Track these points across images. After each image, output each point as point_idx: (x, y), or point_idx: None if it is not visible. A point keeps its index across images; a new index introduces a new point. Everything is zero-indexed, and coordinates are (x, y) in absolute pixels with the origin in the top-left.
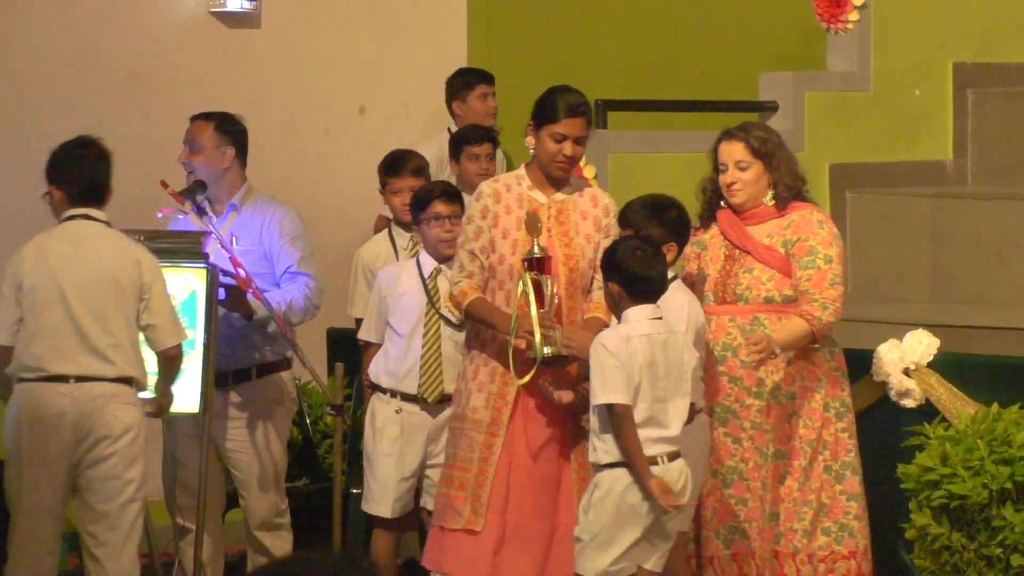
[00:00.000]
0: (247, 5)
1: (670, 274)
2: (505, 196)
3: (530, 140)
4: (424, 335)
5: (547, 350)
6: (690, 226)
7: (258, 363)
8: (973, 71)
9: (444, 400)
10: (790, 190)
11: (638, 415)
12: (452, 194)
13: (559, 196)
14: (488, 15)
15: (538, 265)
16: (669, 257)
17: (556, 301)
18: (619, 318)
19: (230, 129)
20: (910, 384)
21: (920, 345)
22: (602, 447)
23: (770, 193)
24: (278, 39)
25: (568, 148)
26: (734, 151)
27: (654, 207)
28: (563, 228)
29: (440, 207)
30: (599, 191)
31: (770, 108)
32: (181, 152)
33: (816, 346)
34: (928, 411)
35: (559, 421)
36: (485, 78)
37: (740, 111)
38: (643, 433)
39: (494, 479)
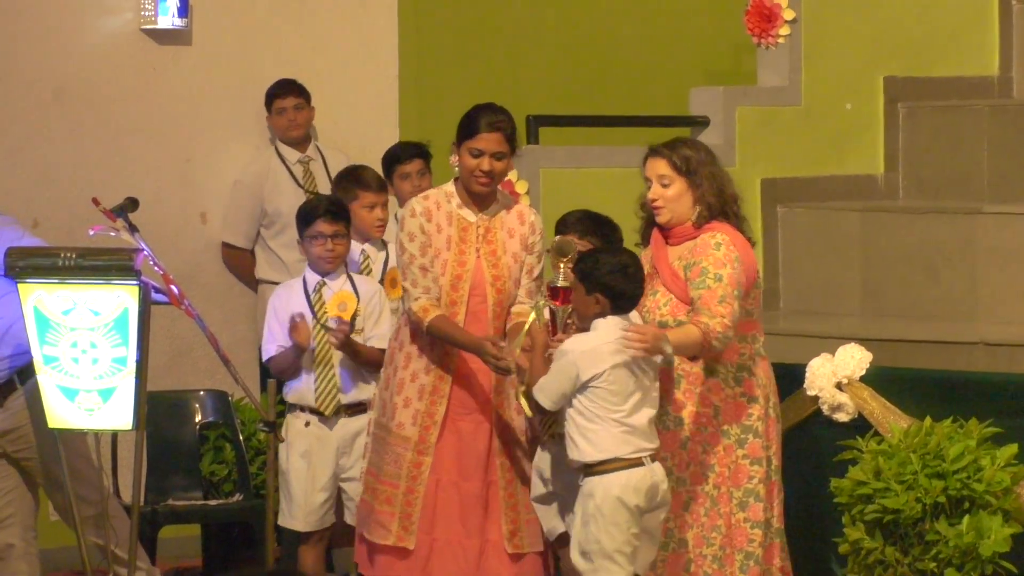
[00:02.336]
0: (178, 22)
1: None
2: (435, 214)
3: (454, 159)
4: (315, 349)
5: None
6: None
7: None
8: (904, 85)
9: (351, 411)
10: (711, 210)
11: (623, 414)
12: (335, 212)
13: (488, 213)
14: (418, 30)
15: (560, 295)
16: None
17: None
18: (587, 325)
19: None
20: (843, 398)
21: (852, 359)
22: (586, 444)
23: (696, 211)
24: (209, 56)
25: (485, 163)
26: (657, 167)
27: (594, 221)
28: (491, 248)
29: (323, 226)
30: (526, 208)
31: (701, 123)
32: None
33: (711, 366)
34: (861, 425)
35: (486, 440)
36: (282, 92)
37: (671, 126)
38: (627, 436)
39: (425, 499)
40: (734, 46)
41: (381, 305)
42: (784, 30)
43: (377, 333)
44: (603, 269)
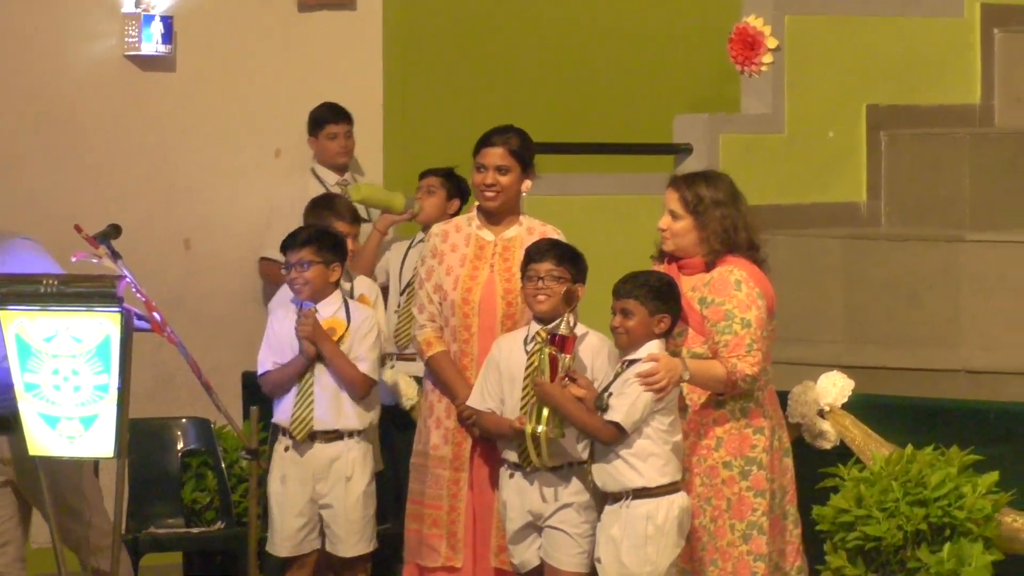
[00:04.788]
0: (161, 49)
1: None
2: (453, 235)
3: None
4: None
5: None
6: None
7: None
8: (886, 113)
9: (327, 438)
10: (716, 254)
11: (675, 437)
12: (288, 242)
13: (508, 233)
14: (403, 58)
15: (560, 342)
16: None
17: (566, 383)
18: (636, 346)
19: None
20: (825, 426)
21: (835, 387)
22: (646, 467)
23: (702, 249)
24: (193, 82)
25: (489, 177)
26: (670, 199)
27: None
28: (506, 264)
29: (291, 256)
30: (551, 229)
31: (684, 150)
32: None
33: (721, 398)
34: (843, 452)
35: None
36: (337, 119)
37: (654, 153)
38: (675, 459)
39: (465, 514)
40: (718, 74)
41: (370, 330)
42: (767, 58)
43: (360, 354)
44: (676, 290)
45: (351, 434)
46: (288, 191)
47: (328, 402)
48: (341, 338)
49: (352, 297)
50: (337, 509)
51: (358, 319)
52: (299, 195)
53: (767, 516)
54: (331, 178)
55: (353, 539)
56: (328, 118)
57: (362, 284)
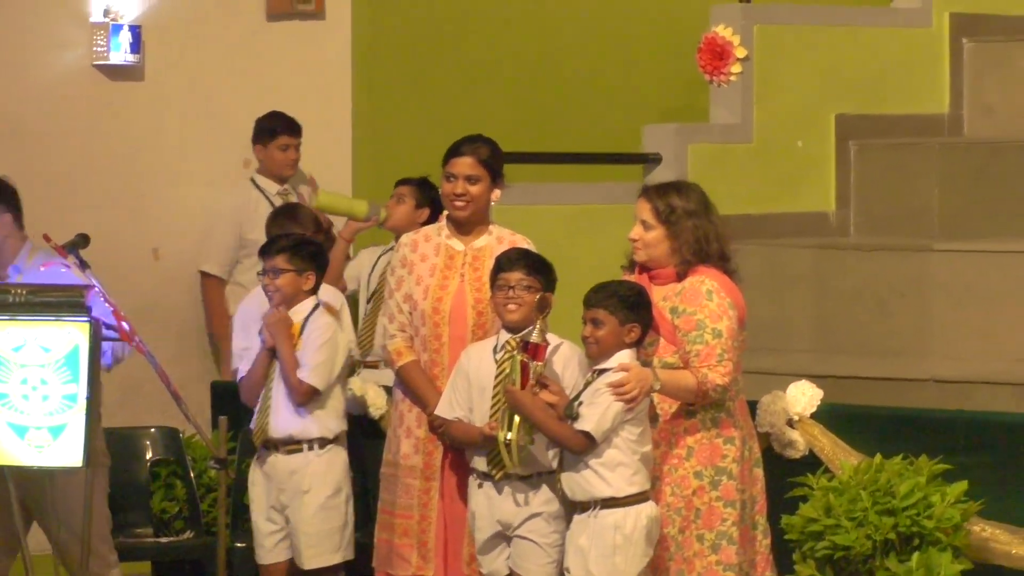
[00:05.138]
0: (130, 58)
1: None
2: (423, 245)
3: (440, 190)
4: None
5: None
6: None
7: None
8: (855, 123)
9: (288, 449)
10: (688, 264)
11: (644, 447)
12: (264, 249)
13: (478, 243)
14: (372, 67)
15: (532, 350)
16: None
17: (537, 390)
18: (606, 356)
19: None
20: (794, 435)
21: (804, 396)
22: (615, 477)
23: (674, 260)
24: (161, 92)
25: (459, 186)
26: (642, 209)
27: (533, 260)
28: (477, 274)
29: (266, 262)
30: (520, 239)
31: (653, 160)
32: None
33: (692, 408)
34: (811, 462)
35: None
36: (289, 130)
37: (623, 163)
38: (644, 469)
39: (436, 523)
40: (686, 83)
41: (322, 339)
42: (736, 68)
43: (303, 360)
44: (646, 300)
45: (311, 445)
46: (227, 201)
47: (285, 411)
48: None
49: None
50: (295, 521)
51: (311, 326)
52: (239, 205)
53: (737, 526)
54: (272, 188)
55: (312, 551)
56: (282, 129)
57: (326, 293)
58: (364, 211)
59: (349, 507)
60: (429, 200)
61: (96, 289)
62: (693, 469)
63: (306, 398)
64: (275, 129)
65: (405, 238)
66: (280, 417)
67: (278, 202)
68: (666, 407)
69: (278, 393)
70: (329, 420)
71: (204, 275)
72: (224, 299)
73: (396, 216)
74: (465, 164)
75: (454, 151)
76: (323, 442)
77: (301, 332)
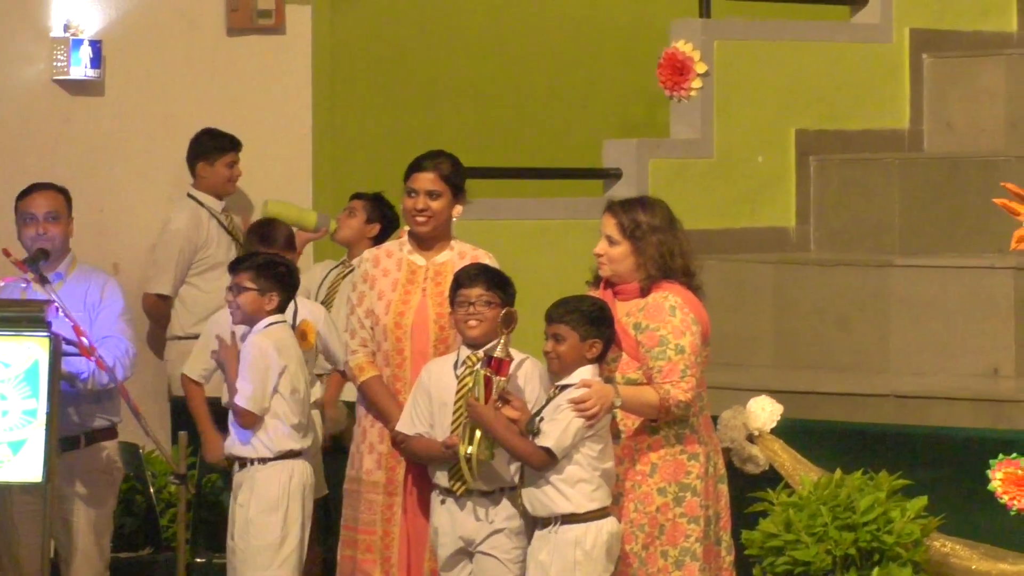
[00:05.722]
0: (90, 73)
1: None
2: (384, 260)
3: (402, 205)
4: None
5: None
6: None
7: (87, 431)
8: (815, 138)
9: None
10: (652, 279)
11: (605, 463)
12: (233, 266)
13: (439, 258)
14: (332, 82)
15: (496, 365)
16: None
17: (499, 405)
18: (568, 371)
19: (70, 201)
20: (754, 450)
21: (764, 412)
22: (575, 493)
23: (639, 275)
24: (122, 107)
25: (420, 202)
26: (607, 224)
27: (492, 275)
28: (439, 288)
29: (233, 278)
30: (483, 254)
31: (614, 175)
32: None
33: (655, 424)
34: (772, 477)
35: None
36: (236, 146)
37: (584, 178)
38: (605, 485)
39: (399, 539)
40: (647, 99)
41: (245, 363)
42: (697, 83)
43: (237, 386)
44: (608, 315)
45: (252, 461)
46: (177, 221)
47: (234, 429)
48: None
49: (295, 320)
50: (233, 534)
51: (245, 347)
52: (189, 224)
53: (701, 543)
54: (216, 204)
55: (242, 566)
56: (230, 145)
57: (306, 308)
58: (313, 222)
59: (295, 527)
60: (380, 215)
61: (56, 304)
62: (657, 485)
63: (245, 421)
64: (223, 146)
65: (367, 254)
66: (230, 435)
67: (224, 220)
68: (629, 423)
69: (231, 413)
70: (268, 439)
71: (157, 297)
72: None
73: (345, 229)
74: (426, 179)
75: (416, 166)
76: (263, 460)
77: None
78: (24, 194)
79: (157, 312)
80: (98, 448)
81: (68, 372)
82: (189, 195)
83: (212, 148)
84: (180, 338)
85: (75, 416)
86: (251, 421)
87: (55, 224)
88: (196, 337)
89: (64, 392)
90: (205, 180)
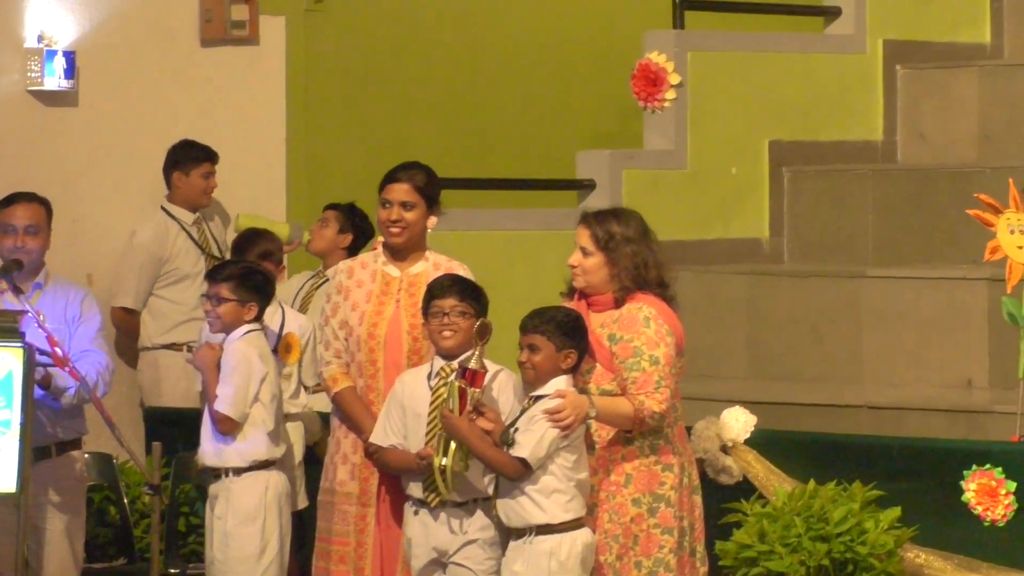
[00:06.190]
0: (64, 83)
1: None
2: (359, 272)
3: (376, 216)
4: None
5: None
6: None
7: (57, 441)
8: (789, 149)
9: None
10: (626, 291)
11: (580, 474)
12: (211, 275)
13: (414, 269)
14: (307, 94)
15: (470, 376)
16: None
17: (474, 416)
18: (542, 381)
19: (51, 212)
20: (727, 461)
21: (737, 422)
22: (550, 504)
23: (612, 286)
24: (96, 117)
25: (394, 212)
26: (581, 236)
27: (465, 286)
28: (413, 300)
29: (211, 288)
30: (457, 265)
31: (587, 186)
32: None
33: (629, 435)
34: (746, 488)
35: None
36: (212, 157)
37: (557, 189)
38: (580, 495)
39: (373, 550)
40: (620, 109)
41: (227, 368)
42: (670, 94)
43: (218, 392)
44: (583, 326)
45: (227, 472)
46: (142, 235)
47: (209, 439)
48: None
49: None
50: (212, 546)
51: (224, 355)
52: (156, 237)
53: (675, 553)
54: (187, 217)
55: None
56: (205, 156)
57: (295, 321)
58: (286, 233)
59: (274, 538)
60: (353, 225)
61: (30, 315)
62: (631, 496)
63: (225, 427)
64: (199, 156)
65: (342, 265)
66: (203, 446)
67: (194, 231)
68: (603, 434)
69: (206, 422)
70: (244, 449)
71: (124, 311)
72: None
73: (318, 240)
74: (400, 191)
75: (390, 177)
76: (239, 470)
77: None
78: (4, 203)
79: (125, 325)
80: (69, 457)
81: (57, 386)
82: (162, 207)
83: (187, 158)
84: (150, 348)
85: (48, 426)
86: (230, 427)
87: (34, 237)
88: (168, 347)
89: (39, 402)
90: (180, 190)
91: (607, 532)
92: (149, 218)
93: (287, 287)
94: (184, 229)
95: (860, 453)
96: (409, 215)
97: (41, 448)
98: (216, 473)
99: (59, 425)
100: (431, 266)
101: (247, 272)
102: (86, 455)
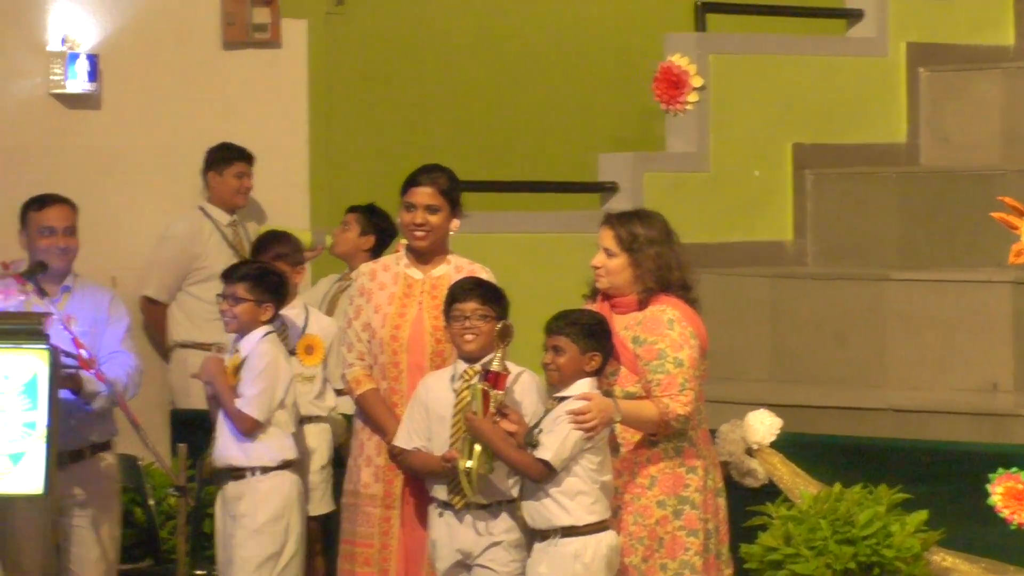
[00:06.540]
0: (87, 86)
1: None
2: (381, 274)
3: (399, 219)
4: None
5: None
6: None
7: (91, 443)
8: (812, 152)
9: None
10: (650, 291)
11: (604, 476)
12: (227, 275)
13: (436, 272)
14: (329, 96)
15: (493, 379)
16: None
17: (497, 419)
18: (566, 383)
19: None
20: (753, 464)
21: (763, 425)
22: (575, 506)
23: (636, 288)
24: (118, 120)
25: (419, 216)
26: (604, 237)
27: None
28: (435, 302)
29: (226, 288)
30: (479, 268)
31: (609, 189)
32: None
33: (654, 438)
34: (771, 491)
35: None
36: (245, 158)
37: (579, 192)
38: (604, 497)
39: (397, 552)
40: (643, 112)
41: (257, 370)
42: (692, 97)
43: (240, 389)
44: (607, 328)
45: (253, 471)
46: (176, 228)
47: (229, 440)
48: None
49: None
50: (232, 545)
51: (251, 356)
52: (189, 233)
53: (700, 556)
54: (224, 218)
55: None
56: (238, 156)
57: (319, 323)
58: (308, 241)
59: (292, 538)
60: (374, 227)
61: (55, 317)
62: (656, 498)
63: (246, 428)
64: (232, 156)
65: (364, 267)
66: (222, 445)
67: (229, 233)
68: (628, 436)
69: (223, 423)
70: (272, 448)
71: (147, 300)
72: (165, 322)
73: (341, 243)
74: (425, 194)
75: (413, 181)
76: (266, 469)
77: (242, 364)
78: (39, 206)
79: (149, 316)
80: (101, 458)
81: (88, 390)
82: (199, 207)
83: (221, 159)
84: (181, 346)
85: (80, 428)
86: (252, 427)
87: (72, 237)
88: (197, 345)
89: (70, 405)
90: (215, 190)
91: (632, 534)
92: (183, 215)
93: (315, 291)
94: (219, 229)
95: (885, 456)
96: (433, 218)
97: (75, 451)
98: (237, 474)
99: (93, 428)
100: (453, 269)
101: (263, 272)
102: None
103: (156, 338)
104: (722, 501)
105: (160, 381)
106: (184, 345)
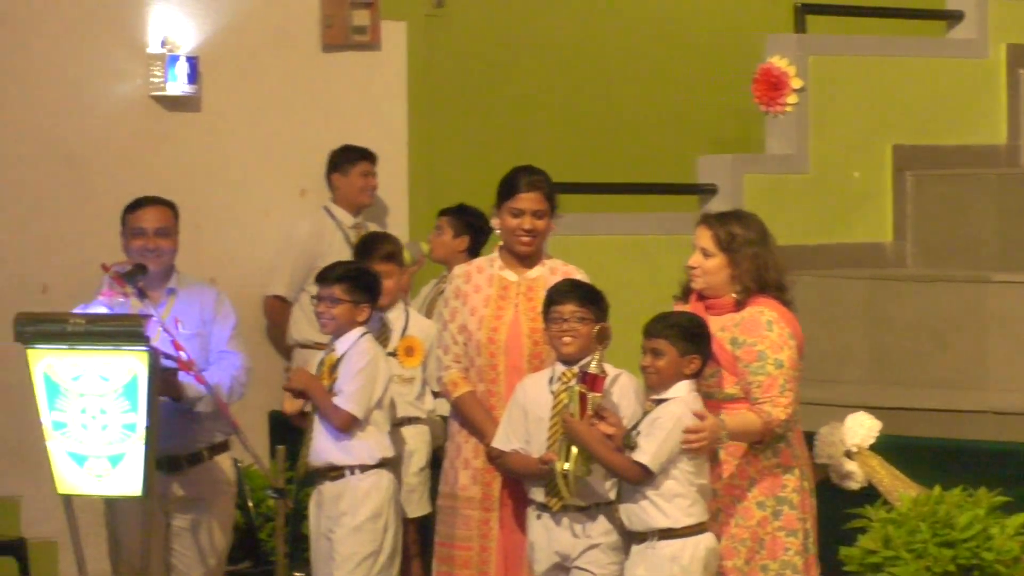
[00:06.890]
0: (187, 89)
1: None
2: (475, 276)
3: (495, 221)
4: None
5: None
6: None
7: (208, 445)
8: (912, 153)
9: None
10: (748, 292)
11: (701, 479)
12: (323, 277)
13: (531, 274)
14: (428, 99)
15: (590, 381)
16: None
17: (595, 421)
18: (665, 386)
19: (178, 216)
20: (852, 466)
21: (862, 427)
22: (672, 509)
23: (733, 288)
24: (218, 122)
25: (527, 222)
26: (702, 237)
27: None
28: (531, 304)
29: (323, 290)
30: (573, 269)
31: (709, 191)
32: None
33: (757, 446)
34: (870, 493)
35: None
36: (369, 157)
37: (678, 194)
38: (702, 500)
39: (497, 554)
40: (742, 114)
41: (356, 367)
42: (792, 99)
43: (338, 386)
44: (707, 332)
45: (352, 470)
46: (302, 228)
47: (325, 439)
48: (335, 367)
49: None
50: (333, 542)
51: (350, 353)
52: (314, 233)
53: (800, 555)
54: (348, 219)
55: (339, 573)
56: (362, 156)
57: (418, 325)
58: (408, 258)
59: (388, 535)
60: (467, 226)
61: (155, 319)
62: (755, 499)
63: (344, 425)
64: (355, 156)
65: (458, 270)
66: (319, 445)
67: (352, 235)
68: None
69: (319, 424)
70: (371, 446)
71: (275, 299)
72: (287, 319)
73: (438, 247)
74: (532, 199)
75: (515, 186)
76: (364, 467)
77: (337, 362)
78: (133, 208)
79: (273, 314)
80: (219, 460)
81: (188, 396)
82: (324, 207)
83: (344, 159)
84: (302, 346)
85: (199, 432)
86: (349, 423)
87: (165, 239)
88: (317, 345)
89: (181, 407)
90: (340, 191)
91: (734, 537)
92: (308, 215)
93: (418, 298)
94: (341, 230)
95: (985, 459)
96: (540, 223)
97: (193, 454)
98: (336, 473)
99: (209, 430)
100: (548, 270)
101: (360, 273)
102: None
103: (279, 339)
104: (814, 501)
105: (260, 381)
106: (304, 345)
